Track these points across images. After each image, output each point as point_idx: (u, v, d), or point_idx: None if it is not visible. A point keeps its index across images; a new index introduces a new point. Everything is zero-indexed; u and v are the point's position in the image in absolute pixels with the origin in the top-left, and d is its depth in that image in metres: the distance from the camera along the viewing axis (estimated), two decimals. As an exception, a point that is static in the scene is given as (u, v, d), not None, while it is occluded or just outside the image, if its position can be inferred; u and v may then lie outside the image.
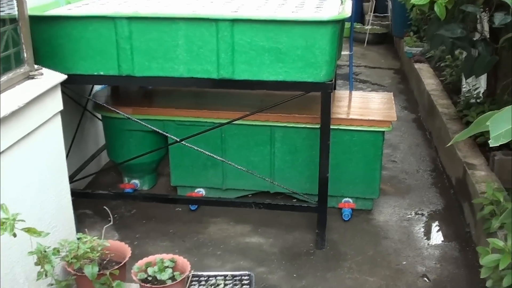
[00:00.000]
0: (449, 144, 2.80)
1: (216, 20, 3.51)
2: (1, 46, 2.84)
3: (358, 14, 11.16)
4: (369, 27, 10.50)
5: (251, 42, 3.54)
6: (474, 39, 4.86)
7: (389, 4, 10.44)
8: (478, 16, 4.88)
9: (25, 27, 3.01)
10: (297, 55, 3.52)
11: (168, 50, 3.62)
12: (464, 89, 5.96)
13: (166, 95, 4.67)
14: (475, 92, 5.61)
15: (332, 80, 3.64)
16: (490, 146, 2.14)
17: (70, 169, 3.55)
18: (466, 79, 5.30)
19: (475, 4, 4.45)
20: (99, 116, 4.79)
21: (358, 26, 10.61)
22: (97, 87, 4.83)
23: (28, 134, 2.84)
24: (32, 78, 3.02)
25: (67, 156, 3.36)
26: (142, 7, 4.00)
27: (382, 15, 11.22)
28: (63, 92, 3.25)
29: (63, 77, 3.18)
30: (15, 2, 3.01)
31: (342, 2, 4.23)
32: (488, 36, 4.91)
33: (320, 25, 3.45)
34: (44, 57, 3.61)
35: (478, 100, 5.44)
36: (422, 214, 4.50)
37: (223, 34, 3.53)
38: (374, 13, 10.72)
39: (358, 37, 10.15)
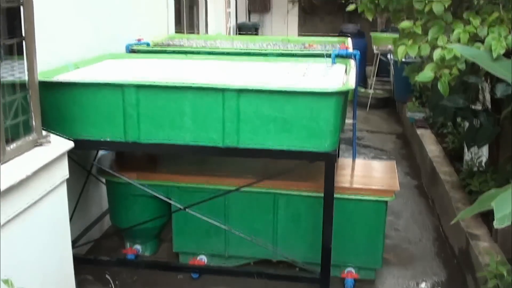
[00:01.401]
0: (453, 222, 2.81)
1: (222, 90, 3.56)
2: (11, 114, 2.88)
3: (361, 78, 11.26)
4: (371, 91, 10.60)
5: (256, 112, 3.58)
6: (476, 108, 4.91)
7: (391, 68, 10.55)
8: (480, 87, 4.94)
9: (35, 96, 3.06)
10: (302, 125, 3.56)
11: (174, 118, 3.66)
12: (466, 157, 5.99)
13: (170, 160, 4.69)
14: (478, 161, 5.63)
15: (336, 150, 3.67)
16: (495, 227, 2.13)
17: (73, 233, 3.54)
18: (468, 149, 5.32)
19: (477, 75, 4.51)
20: (103, 179, 4.80)
21: (362, 90, 10.70)
22: (102, 151, 4.85)
23: (34, 202, 2.85)
24: (40, 145, 3.05)
25: (70, 220, 3.36)
26: (150, 75, 4.06)
27: (384, 79, 11.31)
28: (68, 156, 3.27)
29: (71, 144, 3.21)
30: (25, 68, 3.06)
31: (346, 71, 4.29)
32: (490, 107, 4.96)
33: (325, 96, 3.49)
34: (52, 121, 3.63)
35: (481, 169, 5.46)
36: (426, 286, 4.46)
37: (229, 103, 3.57)
38: (376, 77, 10.81)
39: (361, 101, 10.22)
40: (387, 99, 10.72)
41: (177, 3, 7.14)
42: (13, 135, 2.88)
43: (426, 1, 3.42)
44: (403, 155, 7.92)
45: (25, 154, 2.90)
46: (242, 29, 11.55)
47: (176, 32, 6.83)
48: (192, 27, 8.73)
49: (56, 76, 3.93)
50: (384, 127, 9.41)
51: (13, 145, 2.84)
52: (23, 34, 3.01)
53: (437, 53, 3.41)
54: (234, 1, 11.46)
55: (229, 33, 10.59)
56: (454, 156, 6.49)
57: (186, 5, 8.12)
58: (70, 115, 3.76)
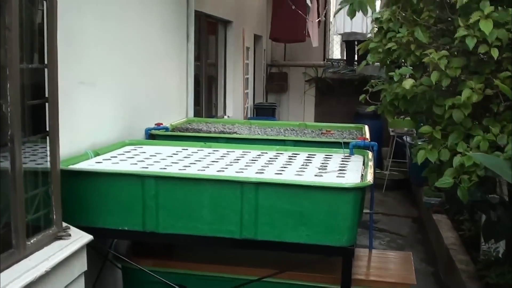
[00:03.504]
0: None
1: (241, 183, 3.59)
2: (33, 208, 2.92)
3: (377, 159, 11.23)
4: (387, 172, 10.60)
5: (274, 205, 3.59)
6: (493, 196, 4.89)
7: (407, 151, 10.57)
8: (497, 180, 4.94)
9: (56, 190, 3.08)
10: (319, 219, 3.56)
11: (193, 209, 3.68)
12: (483, 247, 5.94)
13: (187, 248, 4.69)
14: (495, 251, 5.59)
15: (354, 245, 3.66)
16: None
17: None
18: (485, 242, 5.29)
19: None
20: (119, 264, 4.79)
21: (377, 172, 10.68)
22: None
23: (52, 297, 2.85)
24: (60, 239, 3.06)
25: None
26: (169, 164, 4.11)
27: (400, 161, 11.30)
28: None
29: (90, 237, 3.21)
30: (48, 161, 3.11)
31: (364, 163, 4.32)
32: (507, 199, 4.94)
33: (343, 192, 3.51)
34: (70, 209, 3.63)
35: (498, 260, 5.40)
36: None
37: (247, 196, 3.59)
38: (392, 158, 10.82)
39: (376, 182, 10.07)
40: (402, 181, 10.70)
41: (196, 86, 7.26)
42: (33, 228, 2.90)
43: (446, 108, 3.47)
44: (419, 240, 7.87)
45: (44, 248, 2.91)
46: (259, 109, 11.69)
47: (195, 110, 6.90)
48: (211, 107, 8.87)
49: (76, 164, 3.99)
50: (400, 210, 9.38)
51: (33, 240, 2.85)
52: (47, 129, 3.07)
53: (456, 160, 3.44)
54: (252, 82, 11.65)
55: (247, 113, 10.73)
56: (470, 244, 6.44)
57: (206, 86, 8.27)
58: (88, 203, 3.79)
